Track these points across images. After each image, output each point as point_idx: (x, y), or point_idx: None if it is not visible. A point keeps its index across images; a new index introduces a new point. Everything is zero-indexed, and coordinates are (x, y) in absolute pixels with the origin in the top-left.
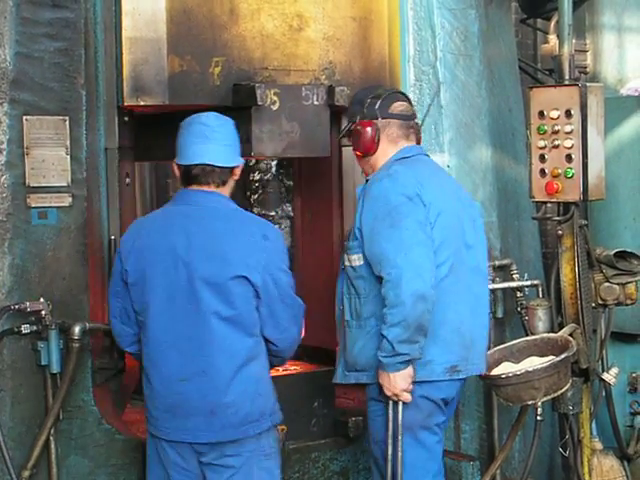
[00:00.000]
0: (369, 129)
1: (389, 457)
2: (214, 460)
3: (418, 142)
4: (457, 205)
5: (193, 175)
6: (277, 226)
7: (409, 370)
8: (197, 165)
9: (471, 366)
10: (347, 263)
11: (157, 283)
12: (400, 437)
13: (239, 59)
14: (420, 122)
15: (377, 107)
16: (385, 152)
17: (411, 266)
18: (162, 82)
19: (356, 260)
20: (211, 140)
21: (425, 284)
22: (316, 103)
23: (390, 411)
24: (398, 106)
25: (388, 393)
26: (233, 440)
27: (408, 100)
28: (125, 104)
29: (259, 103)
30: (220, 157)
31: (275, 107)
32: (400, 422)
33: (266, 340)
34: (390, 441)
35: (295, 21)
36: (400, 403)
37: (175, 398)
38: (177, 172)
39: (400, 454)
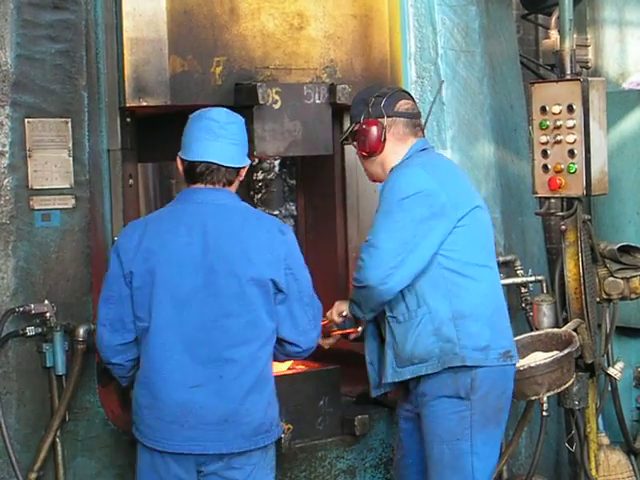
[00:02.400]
0: (375, 128)
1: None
2: (218, 471)
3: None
4: (471, 197)
5: (198, 173)
6: None
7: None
8: (202, 162)
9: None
10: None
11: (167, 285)
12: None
13: (240, 58)
14: (424, 120)
15: (382, 105)
16: (394, 151)
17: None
18: (164, 82)
19: None
20: (219, 137)
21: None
22: (318, 102)
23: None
24: (404, 104)
25: None
26: (242, 452)
27: (412, 98)
28: (127, 105)
29: (261, 102)
30: (227, 156)
31: (277, 106)
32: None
33: (284, 341)
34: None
35: (296, 20)
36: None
37: (184, 407)
38: (180, 167)
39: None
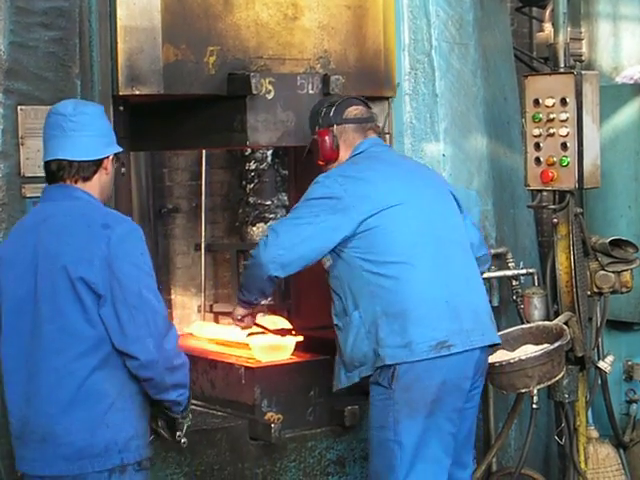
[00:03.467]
0: (327, 137)
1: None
2: None
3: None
4: (422, 190)
5: (51, 172)
6: (272, 215)
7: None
8: (53, 161)
9: (475, 338)
10: (324, 267)
11: (9, 294)
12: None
13: (234, 48)
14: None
15: (332, 114)
16: (345, 157)
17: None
18: (157, 71)
19: (326, 262)
20: (68, 131)
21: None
22: (311, 92)
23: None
24: (352, 110)
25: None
26: (71, 475)
27: (365, 104)
28: (120, 93)
29: (254, 92)
30: (78, 150)
31: (270, 96)
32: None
33: (121, 353)
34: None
35: (290, 10)
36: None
37: (20, 423)
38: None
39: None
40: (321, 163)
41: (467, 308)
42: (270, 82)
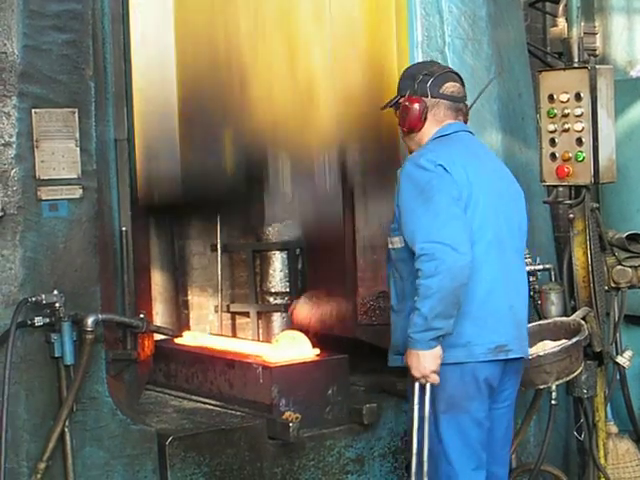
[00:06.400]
0: (417, 105)
1: (414, 445)
2: None
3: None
4: (498, 184)
5: None
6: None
7: (439, 349)
8: None
9: (525, 346)
10: (390, 245)
11: None
12: (426, 422)
13: None
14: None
15: (429, 85)
16: (430, 131)
17: (447, 240)
18: None
19: (397, 242)
20: None
21: (462, 257)
22: None
23: (416, 394)
24: (450, 87)
25: (417, 374)
26: None
27: (461, 81)
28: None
29: None
30: None
31: None
32: (428, 406)
33: None
34: (416, 426)
35: None
36: (428, 386)
37: None
38: None
39: (426, 440)
40: (404, 130)
41: (520, 316)
42: None
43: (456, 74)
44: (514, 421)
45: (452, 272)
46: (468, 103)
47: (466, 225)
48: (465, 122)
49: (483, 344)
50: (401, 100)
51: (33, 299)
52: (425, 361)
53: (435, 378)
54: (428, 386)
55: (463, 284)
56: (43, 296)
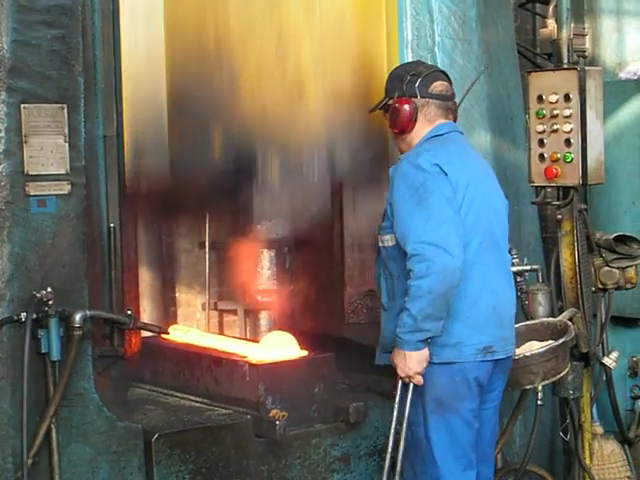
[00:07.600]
0: (407, 107)
1: (401, 443)
2: None
3: (454, 121)
4: (488, 185)
5: None
6: None
7: (425, 351)
8: None
9: (509, 347)
10: (380, 244)
11: None
12: (405, 422)
13: None
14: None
15: (417, 85)
16: (421, 131)
17: (439, 242)
18: None
19: (388, 241)
20: None
21: (453, 260)
22: None
23: (398, 392)
24: (438, 86)
25: (401, 374)
26: None
27: (448, 80)
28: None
29: None
30: None
31: None
32: (408, 406)
33: None
34: (401, 426)
35: None
36: (411, 386)
37: None
38: None
39: (402, 440)
40: (395, 131)
41: (507, 316)
42: None
43: (443, 73)
44: (500, 420)
45: (443, 274)
46: (457, 101)
47: (459, 227)
48: (455, 120)
49: (473, 344)
50: (390, 102)
51: (39, 295)
52: (411, 362)
53: (419, 380)
54: (411, 386)
55: (454, 286)
56: (43, 292)
